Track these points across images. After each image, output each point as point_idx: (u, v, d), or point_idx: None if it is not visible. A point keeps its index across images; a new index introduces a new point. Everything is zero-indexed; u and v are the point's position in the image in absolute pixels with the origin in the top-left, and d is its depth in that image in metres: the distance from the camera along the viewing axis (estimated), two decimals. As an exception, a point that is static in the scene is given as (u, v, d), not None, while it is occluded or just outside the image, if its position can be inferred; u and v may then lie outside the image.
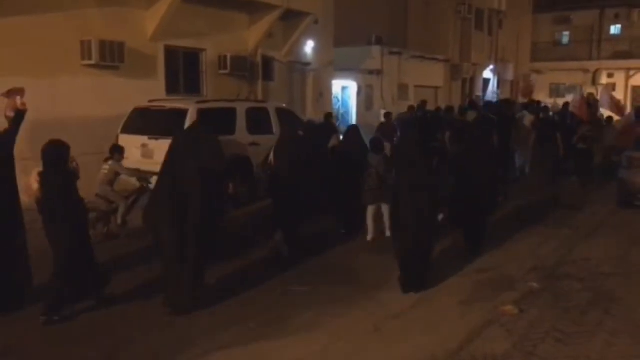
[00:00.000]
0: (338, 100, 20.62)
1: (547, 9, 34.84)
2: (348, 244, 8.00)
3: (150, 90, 11.33)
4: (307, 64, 17.11)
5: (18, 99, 5.66)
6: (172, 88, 12.73)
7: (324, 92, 18.09)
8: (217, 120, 9.41)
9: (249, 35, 14.52)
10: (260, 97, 14.60)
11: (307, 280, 6.54)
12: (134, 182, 8.53)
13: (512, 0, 29.81)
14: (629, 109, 21.89)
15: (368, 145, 8.43)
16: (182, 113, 9.25)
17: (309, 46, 16.92)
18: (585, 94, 21.11)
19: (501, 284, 6.38)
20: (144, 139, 9.27)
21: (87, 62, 10.77)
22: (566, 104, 16.71)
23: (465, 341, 4.93)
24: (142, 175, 8.29)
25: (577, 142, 13.21)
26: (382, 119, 15.05)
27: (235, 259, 7.11)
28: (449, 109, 14.30)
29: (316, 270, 6.95)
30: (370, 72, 21.33)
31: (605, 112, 17.12)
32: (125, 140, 9.25)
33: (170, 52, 12.76)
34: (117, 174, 8.20)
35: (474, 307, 5.73)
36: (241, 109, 10.48)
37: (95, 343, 4.94)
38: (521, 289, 6.21)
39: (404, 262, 6.26)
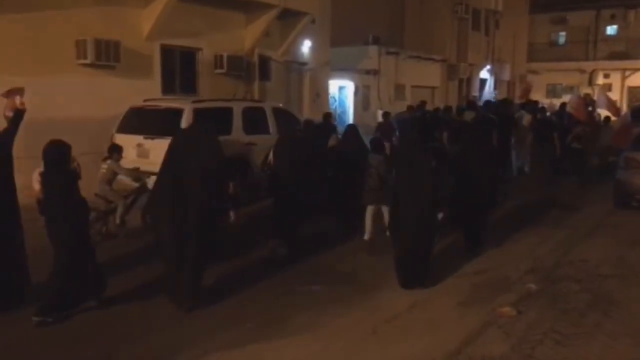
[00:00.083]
0: (335, 100, 20.63)
1: (544, 10, 34.97)
2: (347, 244, 7.99)
3: (146, 90, 11.30)
4: (304, 63, 17.11)
5: (17, 99, 5.61)
6: (168, 87, 12.72)
7: (320, 92, 18.08)
8: (213, 120, 9.34)
9: (245, 35, 14.50)
10: (256, 96, 14.61)
11: (307, 280, 6.53)
12: (129, 182, 8.51)
13: (508, 0, 29.87)
14: (624, 110, 21.98)
15: (367, 145, 8.42)
16: (178, 113, 9.21)
17: (306, 46, 16.92)
18: (582, 94, 21.17)
19: (499, 285, 6.39)
20: (139, 138, 9.23)
21: (82, 61, 10.77)
22: (563, 104, 16.75)
23: (463, 343, 4.94)
24: (138, 175, 8.26)
25: (571, 141, 13.25)
26: (380, 119, 15.06)
27: (235, 259, 7.10)
28: (448, 109, 14.36)
29: (316, 270, 6.94)
30: (367, 72, 21.37)
31: (602, 113, 17.18)
32: (120, 139, 9.18)
33: (166, 52, 12.75)
34: (115, 174, 8.17)
35: (472, 308, 5.74)
36: (237, 108, 10.41)
37: (95, 343, 4.92)
38: (519, 290, 6.22)
39: (404, 261, 6.27)
